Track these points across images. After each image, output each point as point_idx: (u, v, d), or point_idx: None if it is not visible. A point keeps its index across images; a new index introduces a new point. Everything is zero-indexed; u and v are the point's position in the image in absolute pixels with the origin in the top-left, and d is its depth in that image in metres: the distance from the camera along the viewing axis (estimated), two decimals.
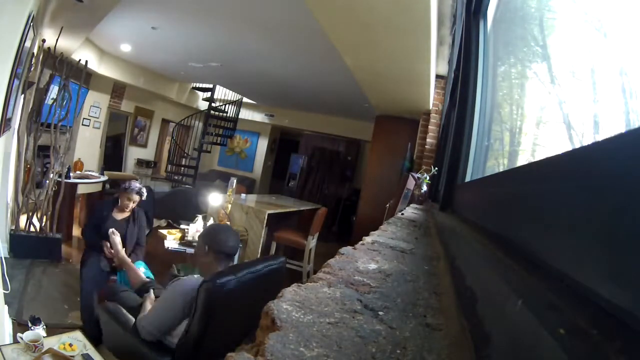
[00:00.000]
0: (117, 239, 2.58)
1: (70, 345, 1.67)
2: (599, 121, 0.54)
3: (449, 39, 2.98)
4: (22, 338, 1.61)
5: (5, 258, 2.75)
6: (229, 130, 8.42)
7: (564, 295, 0.25)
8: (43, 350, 1.56)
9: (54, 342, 1.65)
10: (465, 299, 0.47)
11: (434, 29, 2.44)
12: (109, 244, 2.60)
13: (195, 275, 1.77)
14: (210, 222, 3.59)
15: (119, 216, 2.86)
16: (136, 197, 2.85)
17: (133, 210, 2.92)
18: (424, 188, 2.93)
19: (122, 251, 2.55)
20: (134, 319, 1.79)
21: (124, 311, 1.91)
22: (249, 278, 1.71)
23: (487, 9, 1.36)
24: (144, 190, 2.92)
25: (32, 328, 2.08)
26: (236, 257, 3.55)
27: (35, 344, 1.58)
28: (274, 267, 1.92)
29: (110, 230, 2.62)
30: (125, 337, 1.75)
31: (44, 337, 1.67)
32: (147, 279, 2.26)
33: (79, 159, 5.39)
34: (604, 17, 0.55)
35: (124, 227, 2.80)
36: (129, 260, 2.48)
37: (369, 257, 0.83)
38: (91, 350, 1.70)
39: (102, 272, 2.61)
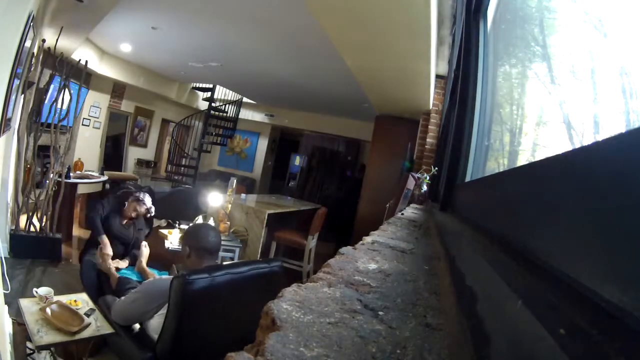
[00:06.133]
0: (145, 252, 2.67)
1: (75, 301, 1.97)
2: (599, 121, 0.54)
3: (449, 39, 2.99)
4: (36, 291, 1.92)
5: (5, 258, 2.76)
6: (229, 130, 8.42)
7: (564, 295, 0.25)
8: (52, 301, 1.87)
9: (62, 299, 1.97)
10: (465, 299, 0.47)
11: (434, 29, 2.44)
12: (103, 246, 2.66)
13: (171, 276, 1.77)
14: (211, 221, 3.59)
15: (123, 220, 2.89)
16: (142, 212, 2.91)
17: None
18: (424, 188, 2.92)
19: (143, 262, 2.62)
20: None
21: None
22: (228, 279, 1.65)
23: (487, 9, 1.36)
24: (153, 209, 2.97)
25: None
26: (236, 256, 3.56)
27: (47, 296, 1.90)
28: (264, 271, 1.80)
29: (143, 243, 2.77)
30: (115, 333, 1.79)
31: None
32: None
33: (79, 159, 5.38)
34: (604, 17, 0.55)
35: (130, 232, 2.87)
36: (148, 270, 2.57)
37: (369, 257, 0.83)
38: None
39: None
